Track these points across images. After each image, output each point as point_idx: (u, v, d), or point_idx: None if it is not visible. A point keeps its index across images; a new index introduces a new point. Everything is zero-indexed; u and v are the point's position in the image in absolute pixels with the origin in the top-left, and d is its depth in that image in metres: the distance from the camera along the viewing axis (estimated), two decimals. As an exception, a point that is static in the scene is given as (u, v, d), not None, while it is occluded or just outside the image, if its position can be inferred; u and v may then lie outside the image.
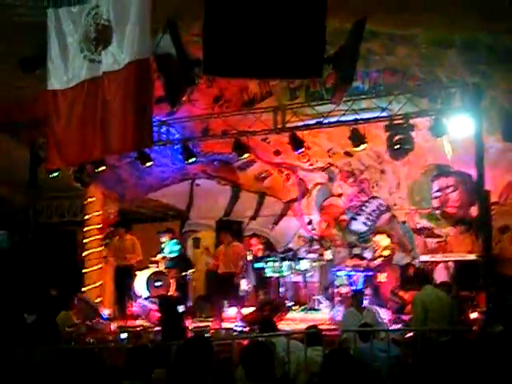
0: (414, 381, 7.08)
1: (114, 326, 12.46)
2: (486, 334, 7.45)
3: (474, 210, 13.23)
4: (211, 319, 12.95)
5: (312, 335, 7.41)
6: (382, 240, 13.89)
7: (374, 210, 15.92)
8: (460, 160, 13.35)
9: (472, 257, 12.03)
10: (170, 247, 14.71)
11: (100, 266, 15.36)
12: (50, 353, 6.87)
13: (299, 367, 6.94)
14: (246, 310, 13.09)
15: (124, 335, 11.01)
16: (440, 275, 12.65)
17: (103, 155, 9.96)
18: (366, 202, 15.97)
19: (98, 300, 14.83)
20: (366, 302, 11.45)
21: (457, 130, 11.39)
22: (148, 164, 13.19)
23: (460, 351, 6.70)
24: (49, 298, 13.08)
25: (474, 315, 10.27)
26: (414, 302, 9.33)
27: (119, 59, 8.31)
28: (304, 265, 14.57)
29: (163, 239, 14.82)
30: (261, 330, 8.18)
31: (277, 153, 15.29)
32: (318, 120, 12.53)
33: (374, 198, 15.83)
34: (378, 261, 13.47)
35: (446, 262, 12.74)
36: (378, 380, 6.66)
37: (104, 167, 13.12)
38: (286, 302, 13.79)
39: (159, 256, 14.52)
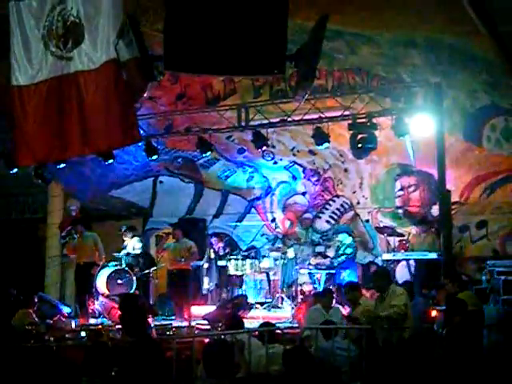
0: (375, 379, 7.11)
1: (74, 324, 12.31)
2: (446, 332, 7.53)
3: (435, 209, 13.36)
4: (174, 317, 12.90)
5: (268, 333, 7.38)
6: (345, 238, 13.94)
7: (337, 209, 15.95)
8: (422, 159, 13.46)
9: (433, 255, 12.16)
10: (132, 245, 14.59)
11: (61, 263, 15.18)
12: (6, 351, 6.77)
13: (259, 364, 6.92)
14: (209, 308, 13.04)
15: (84, 333, 10.87)
16: (401, 274, 12.78)
17: (85, 153, 9.81)
18: (330, 200, 15.99)
19: (59, 298, 14.66)
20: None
21: (419, 129, 11.48)
22: (110, 161, 13.08)
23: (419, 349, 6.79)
24: (7, 296, 12.87)
25: (434, 313, 10.34)
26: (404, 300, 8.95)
27: (95, 58, 8.24)
28: (267, 263, 14.57)
29: (126, 236, 14.69)
30: (228, 327, 8.09)
31: (241, 151, 15.26)
32: (281, 118, 12.55)
33: (337, 196, 15.87)
34: (342, 258, 13.51)
35: (408, 260, 12.87)
36: (337, 378, 6.68)
37: (64, 164, 12.96)
38: (249, 299, 13.75)
39: (122, 253, 14.38)
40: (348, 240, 13.87)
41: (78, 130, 8.41)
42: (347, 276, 13.19)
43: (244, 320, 11.25)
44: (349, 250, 13.66)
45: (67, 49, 8.55)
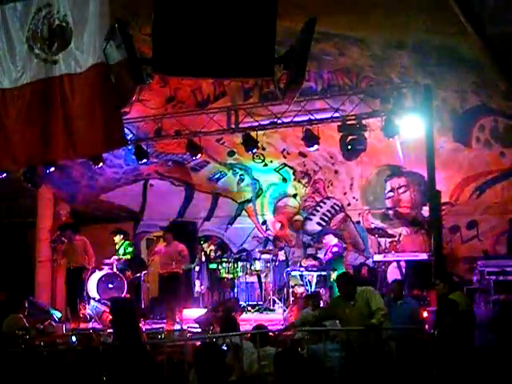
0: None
1: (65, 328, 12.26)
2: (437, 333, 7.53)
3: (425, 210, 13.39)
4: (166, 321, 12.86)
5: (261, 335, 7.38)
6: (332, 239, 14.00)
7: (328, 211, 15.95)
8: (412, 160, 13.48)
9: (424, 256, 12.18)
10: (123, 248, 14.55)
11: (51, 267, 15.12)
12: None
13: (251, 367, 6.92)
14: (200, 311, 13.01)
15: (75, 338, 10.82)
16: (392, 275, 12.78)
17: (70, 157, 9.76)
18: (321, 202, 16.00)
19: (50, 302, 14.59)
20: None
21: (408, 130, 11.50)
22: (100, 164, 13.05)
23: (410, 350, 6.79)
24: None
25: (425, 314, 10.36)
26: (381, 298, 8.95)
27: (81, 61, 8.18)
28: (258, 265, 14.55)
29: (117, 240, 14.66)
30: (223, 329, 8.06)
31: (231, 153, 15.25)
32: (271, 120, 12.54)
33: (328, 198, 15.87)
34: (329, 255, 13.56)
35: (399, 261, 12.88)
36: (330, 379, 6.67)
37: (54, 168, 12.92)
38: (241, 302, 13.74)
39: (113, 258, 14.34)
40: (334, 241, 13.93)
41: (62, 133, 8.34)
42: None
43: (235, 323, 11.30)
44: (335, 249, 13.70)
45: (52, 52, 8.49)
